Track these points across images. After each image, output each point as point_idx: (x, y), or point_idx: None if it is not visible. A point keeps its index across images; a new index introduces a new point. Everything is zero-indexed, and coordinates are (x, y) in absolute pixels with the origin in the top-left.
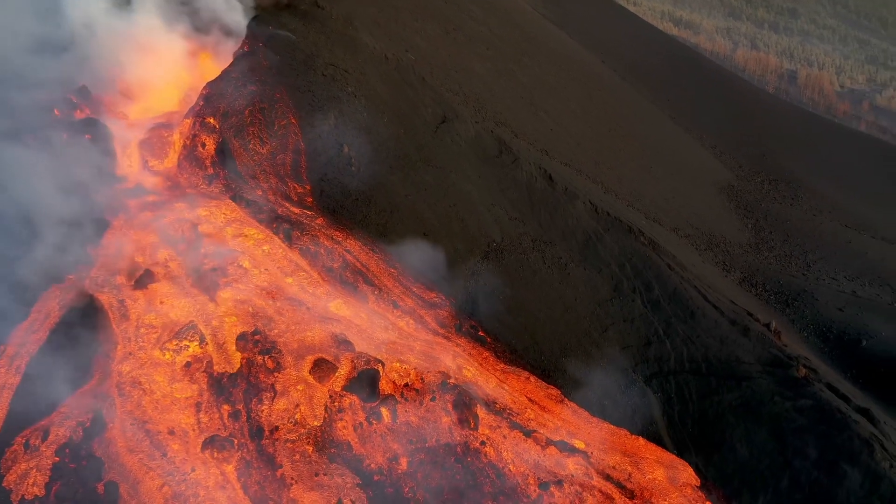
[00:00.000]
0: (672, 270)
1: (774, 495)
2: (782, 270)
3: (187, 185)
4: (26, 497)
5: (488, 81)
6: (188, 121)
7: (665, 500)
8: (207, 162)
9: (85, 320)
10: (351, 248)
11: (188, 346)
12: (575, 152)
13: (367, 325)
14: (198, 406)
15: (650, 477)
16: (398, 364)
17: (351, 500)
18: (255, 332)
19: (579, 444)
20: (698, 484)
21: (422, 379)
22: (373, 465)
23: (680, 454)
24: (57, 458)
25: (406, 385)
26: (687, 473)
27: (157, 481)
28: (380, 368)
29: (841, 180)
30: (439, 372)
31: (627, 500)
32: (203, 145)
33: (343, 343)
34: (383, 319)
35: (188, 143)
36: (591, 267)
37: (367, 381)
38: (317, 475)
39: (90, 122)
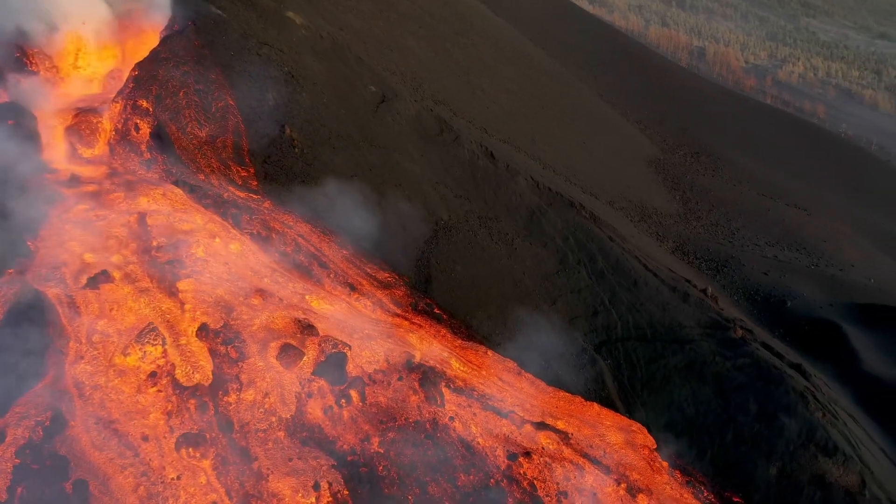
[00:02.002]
0: (613, 242)
1: (721, 449)
2: (710, 238)
3: (124, 172)
4: None
5: (424, 60)
6: (118, 104)
7: (634, 470)
8: (143, 147)
9: (32, 316)
10: (302, 232)
11: (151, 352)
12: (512, 129)
13: (327, 308)
14: (169, 414)
15: (614, 444)
16: (364, 347)
17: (328, 481)
18: (216, 323)
19: (539, 416)
20: (654, 446)
21: (387, 360)
22: (346, 447)
23: (632, 416)
24: (18, 461)
25: (373, 368)
26: (642, 435)
27: (131, 480)
28: (347, 352)
29: (755, 152)
30: (403, 351)
31: (602, 474)
32: (137, 129)
33: (307, 328)
34: (341, 302)
35: (120, 127)
36: (537, 241)
37: (334, 365)
38: (290, 460)
39: (12, 106)
